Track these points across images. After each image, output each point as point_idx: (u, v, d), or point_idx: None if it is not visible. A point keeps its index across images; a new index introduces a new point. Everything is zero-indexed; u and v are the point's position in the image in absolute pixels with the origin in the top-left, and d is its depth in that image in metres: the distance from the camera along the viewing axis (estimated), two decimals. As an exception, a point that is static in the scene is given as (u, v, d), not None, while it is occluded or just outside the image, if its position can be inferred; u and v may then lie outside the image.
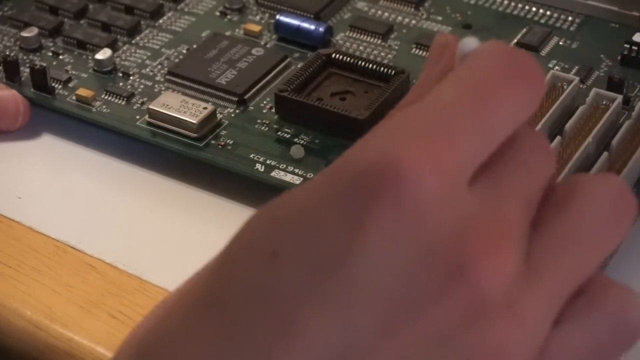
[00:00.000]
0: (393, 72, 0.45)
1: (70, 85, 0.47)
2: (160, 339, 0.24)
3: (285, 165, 0.42)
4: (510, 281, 0.23)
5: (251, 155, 0.42)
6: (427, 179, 0.23)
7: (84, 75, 0.47)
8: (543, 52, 0.47)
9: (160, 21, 0.50)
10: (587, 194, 0.25)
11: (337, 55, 0.46)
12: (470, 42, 0.26)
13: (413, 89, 0.28)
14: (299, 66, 0.46)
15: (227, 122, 0.44)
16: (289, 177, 0.41)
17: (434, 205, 0.23)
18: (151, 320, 0.25)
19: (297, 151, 0.42)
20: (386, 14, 0.50)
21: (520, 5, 0.50)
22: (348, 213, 0.23)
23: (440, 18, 0.49)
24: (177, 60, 0.48)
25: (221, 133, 0.44)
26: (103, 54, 0.47)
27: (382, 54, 0.48)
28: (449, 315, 0.23)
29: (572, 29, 0.48)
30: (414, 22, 0.49)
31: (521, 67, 0.25)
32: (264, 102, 0.45)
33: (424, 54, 0.47)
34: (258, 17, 0.50)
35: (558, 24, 0.49)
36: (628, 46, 0.45)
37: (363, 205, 0.23)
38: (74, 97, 0.46)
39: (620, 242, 0.26)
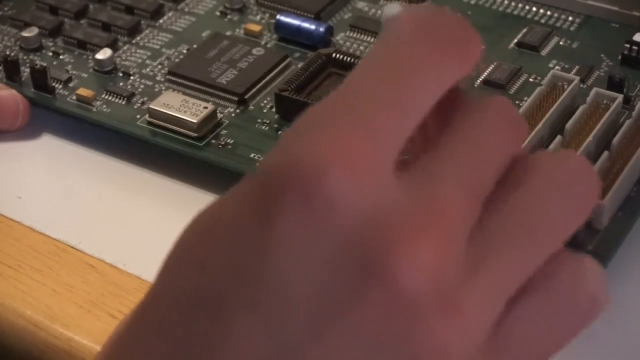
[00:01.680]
0: (393, 71, 0.45)
1: (71, 85, 0.47)
2: (111, 353, 0.24)
3: (285, 165, 0.42)
4: (440, 274, 0.22)
5: (251, 155, 0.42)
6: (332, 170, 0.21)
7: (84, 75, 0.47)
8: (543, 52, 0.47)
9: (161, 21, 0.50)
10: (543, 175, 0.24)
11: (338, 55, 0.46)
12: (391, 9, 0.24)
13: None
14: (299, 66, 0.46)
15: (227, 121, 0.44)
16: (289, 177, 0.41)
17: (343, 198, 0.21)
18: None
19: (297, 151, 0.42)
20: (386, 14, 0.50)
21: (520, 5, 0.50)
22: (258, 216, 0.22)
23: (440, 18, 0.49)
24: (177, 60, 0.48)
25: (221, 133, 0.44)
26: (103, 54, 0.47)
27: (383, 53, 0.48)
28: (373, 315, 0.21)
29: (572, 28, 0.48)
30: (414, 22, 0.49)
31: (439, 25, 0.23)
32: (265, 101, 0.45)
33: (424, 53, 0.47)
34: (258, 17, 0.50)
35: (558, 24, 0.49)
36: (628, 46, 0.45)
37: (270, 206, 0.22)
38: (74, 97, 0.46)
39: (579, 225, 0.24)
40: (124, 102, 0.46)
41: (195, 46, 0.48)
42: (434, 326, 0.22)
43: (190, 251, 0.23)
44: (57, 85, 0.47)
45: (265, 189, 0.22)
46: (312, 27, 0.48)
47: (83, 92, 0.46)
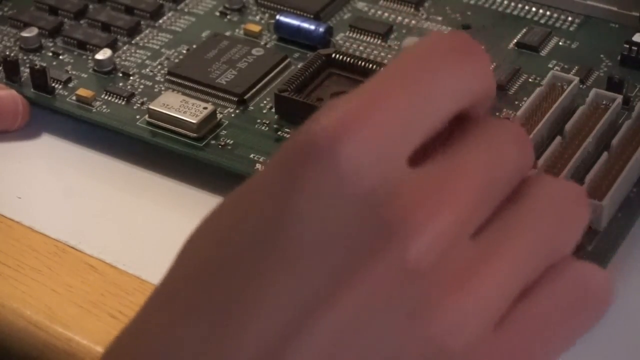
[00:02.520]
0: (393, 72, 0.45)
1: (70, 85, 0.47)
2: (136, 321, 0.24)
3: (285, 165, 0.42)
4: (452, 250, 0.23)
5: (251, 155, 0.42)
6: (352, 137, 0.23)
7: (84, 75, 0.47)
8: (543, 52, 0.47)
9: (160, 21, 0.50)
10: (547, 192, 0.25)
11: (337, 56, 0.46)
12: (410, 40, 0.26)
13: None
14: (299, 66, 0.46)
15: (227, 122, 0.44)
16: (289, 177, 0.41)
17: (362, 165, 0.23)
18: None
19: (297, 151, 0.42)
20: (386, 14, 0.50)
21: (520, 6, 0.50)
22: (282, 179, 0.24)
23: (440, 18, 0.49)
24: (177, 60, 0.48)
25: (221, 133, 0.44)
26: (103, 54, 0.47)
27: (382, 54, 0.48)
28: (384, 276, 0.23)
29: (572, 29, 0.48)
30: (413, 22, 0.49)
31: (457, 42, 0.25)
32: (264, 102, 0.45)
33: (424, 54, 0.47)
34: (258, 17, 0.50)
35: (558, 24, 0.49)
36: (628, 46, 0.45)
37: (292, 170, 0.23)
38: (74, 97, 0.46)
39: (576, 239, 0.25)
40: (123, 103, 0.46)
41: (195, 46, 0.48)
42: (446, 299, 0.23)
43: (219, 221, 0.25)
44: (56, 86, 0.47)
45: (287, 158, 0.24)
46: (312, 27, 0.48)
47: (83, 92, 0.46)
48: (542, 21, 0.49)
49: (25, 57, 0.48)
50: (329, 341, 0.22)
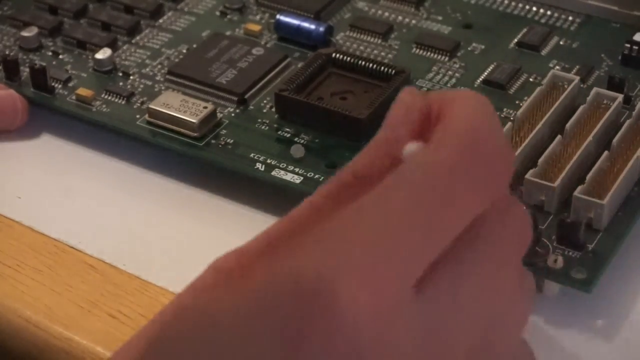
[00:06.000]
0: (393, 71, 0.45)
1: (70, 84, 0.47)
2: None
3: (285, 165, 0.42)
4: None
5: (251, 155, 0.42)
6: (361, 303, 0.22)
7: (84, 74, 0.47)
8: (543, 52, 0.47)
9: (160, 21, 0.50)
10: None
11: (338, 55, 0.46)
12: (411, 147, 0.25)
13: (366, 151, 0.27)
14: (299, 66, 0.46)
15: (227, 121, 0.44)
16: (289, 177, 0.41)
17: (370, 328, 0.22)
18: None
19: (297, 150, 0.42)
20: (386, 14, 0.50)
21: (520, 5, 0.50)
22: (284, 339, 0.22)
23: (440, 18, 0.49)
24: (177, 59, 0.48)
25: (221, 132, 0.44)
26: (103, 54, 0.47)
27: (383, 53, 0.48)
28: None
29: (572, 28, 0.48)
30: (414, 21, 0.49)
31: (480, 152, 0.25)
32: (264, 101, 0.45)
33: (425, 53, 0.47)
34: (258, 17, 0.50)
35: (558, 24, 0.49)
36: (629, 46, 0.45)
37: (298, 330, 0.22)
38: (73, 97, 0.46)
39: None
40: (123, 102, 0.45)
41: (195, 46, 0.48)
42: None
43: None
44: (56, 85, 0.46)
45: (295, 313, 0.22)
46: (312, 27, 0.48)
47: (82, 91, 0.46)
48: (543, 21, 0.49)
49: (25, 57, 0.48)
50: None
